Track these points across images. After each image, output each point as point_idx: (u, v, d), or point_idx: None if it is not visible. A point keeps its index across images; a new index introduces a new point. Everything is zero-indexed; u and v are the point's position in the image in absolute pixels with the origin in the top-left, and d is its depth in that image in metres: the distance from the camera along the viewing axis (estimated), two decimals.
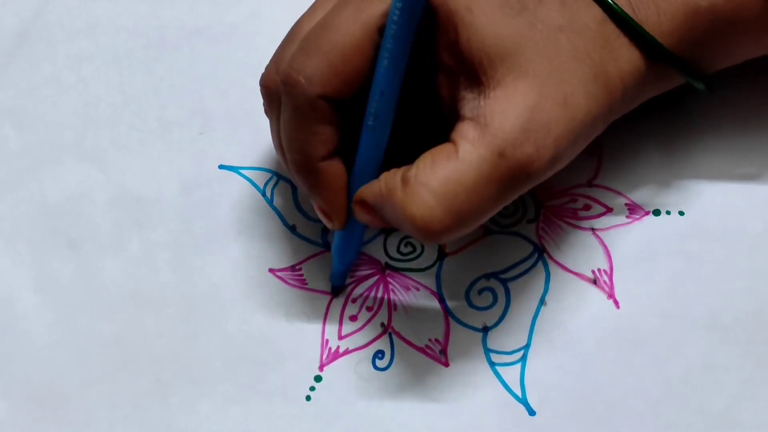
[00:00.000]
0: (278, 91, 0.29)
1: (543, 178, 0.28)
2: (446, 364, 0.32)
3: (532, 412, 0.31)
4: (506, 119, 0.26)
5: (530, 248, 0.34)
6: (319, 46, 0.28)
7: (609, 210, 0.34)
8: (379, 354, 0.32)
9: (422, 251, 0.34)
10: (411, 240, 0.34)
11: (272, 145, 0.36)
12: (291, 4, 0.40)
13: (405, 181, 0.27)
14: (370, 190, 0.28)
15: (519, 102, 0.26)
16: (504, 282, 0.33)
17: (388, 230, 0.34)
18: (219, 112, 0.38)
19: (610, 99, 0.28)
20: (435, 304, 0.33)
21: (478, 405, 0.31)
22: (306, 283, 0.34)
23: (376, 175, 0.29)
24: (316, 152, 0.29)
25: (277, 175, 0.36)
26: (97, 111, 0.38)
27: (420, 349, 0.32)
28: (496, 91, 0.27)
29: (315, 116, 0.28)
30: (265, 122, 0.37)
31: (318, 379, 0.32)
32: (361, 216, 0.29)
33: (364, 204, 0.28)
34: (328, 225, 0.31)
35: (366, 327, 0.33)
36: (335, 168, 0.29)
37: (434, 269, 0.34)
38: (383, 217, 0.28)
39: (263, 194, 0.36)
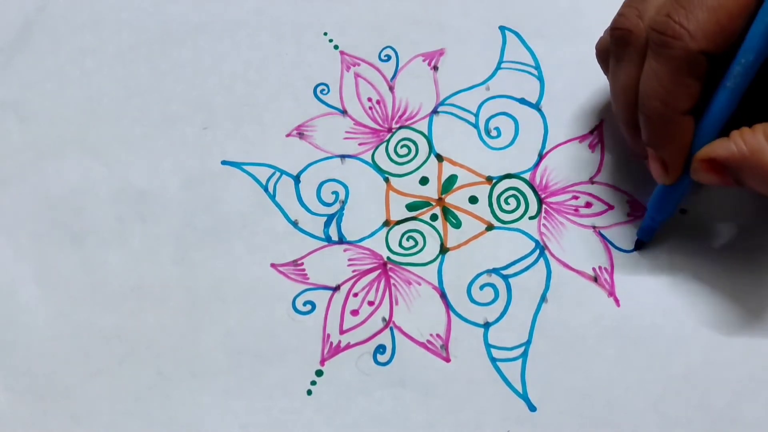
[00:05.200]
0: (642, 37, 0.29)
1: None
2: (447, 360, 0.32)
3: (532, 408, 0.31)
4: None
5: (532, 245, 0.34)
6: (703, 1, 0.28)
7: (610, 207, 0.34)
8: (380, 349, 0.32)
9: (424, 246, 0.34)
10: (413, 235, 0.34)
11: (275, 142, 0.37)
12: (293, 0, 0.40)
13: None
14: (722, 149, 0.28)
15: None
16: (505, 278, 0.33)
17: (389, 224, 0.35)
18: (222, 107, 0.38)
19: None
20: (436, 299, 0.33)
21: (478, 400, 0.31)
22: (308, 278, 0.34)
23: (717, 135, 0.29)
24: (681, 105, 0.28)
25: (280, 171, 0.36)
26: (100, 105, 0.38)
27: (421, 344, 0.32)
28: None
29: (690, 70, 0.28)
30: (267, 118, 0.37)
31: (319, 373, 0.32)
32: (702, 174, 0.29)
33: (712, 162, 0.28)
34: (660, 177, 0.30)
35: (367, 321, 0.33)
36: (689, 123, 0.29)
37: (436, 264, 0.34)
38: (737, 176, 0.28)
39: (266, 189, 0.36)
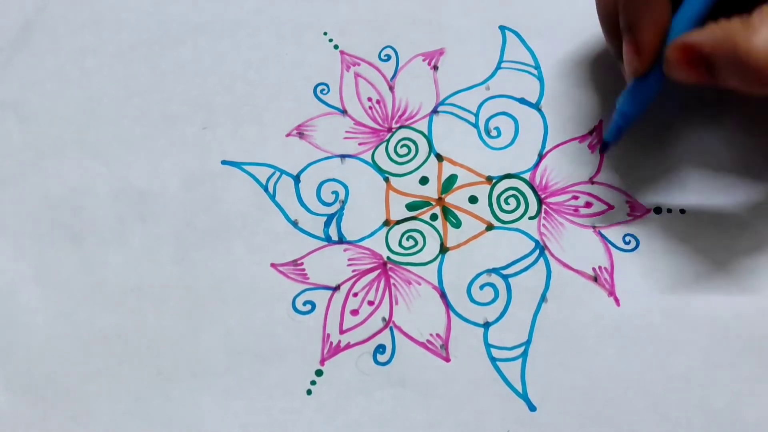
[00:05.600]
0: None
1: None
2: (447, 359, 0.32)
3: (532, 408, 0.31)
4: None
5: (532, 245, 0.34)
6: None
7: (610, 207, 0.34)
8: (380, 348, 0.32)
9: (424, 245, 0.34)
10: (413, 234, 0.34)
11: (275, 142, 0.37)
12: (293, 0, 0.40)
13: (748, 25, 0.26)
14: (697, 35, 0.27)
15: None
16: (505, 278, 0.33)
17: (390, 223, 0.35)
18: (222, 107, 0.38)
19: None
20: (436, 298, 0.33)
21: (478, 400, 0.31)
22: (308, 278, 0.34)
23: (692, 28, 0.28)
24: None
25: (280, 171, 0.36)
26: (100, 105, 0.38)
27: (421, 343, 0.32)
28: None
29: None
30: (267, 118, 0.37)
31: (319, 373, 0.32)
32: (676, 66, 0.28)
33: (686, 50, 0.28)
34: (633, 64, 0.30)
35: (367, 321, 0.33)
36: (666, 6, 0.29)
37: (436, 264, 0.34)
38: (710, 65, 0.27)
39: (265, 189, 0.36)
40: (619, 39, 0.31)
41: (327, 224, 0.35)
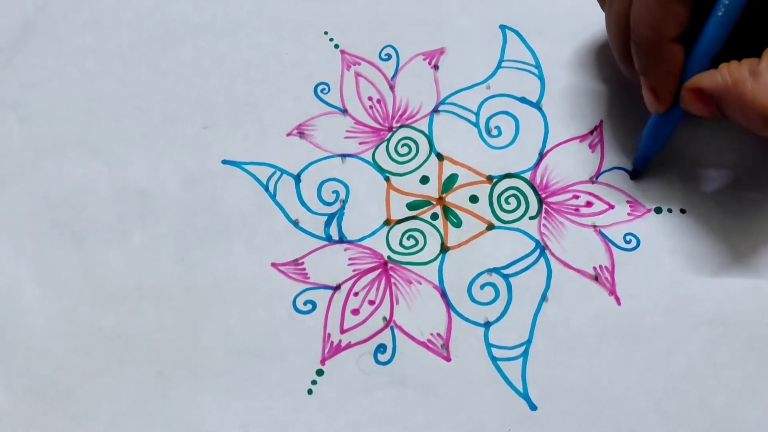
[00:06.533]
0: None
1: None
2: (448, 359, 0.32)
3: (533, 407, 0.31)
4: None
5: (532, 244, 0.34)
6: None
7: (611, 207, 0.34)
8: (380, 348, 0.32)
9: (425, 245, 0.34)
10: (413, 233, 0.34)
11: (276, 141, 0.37)
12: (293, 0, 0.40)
13: (755, 73, 0.27)
14: (709, 79, 0.29)
15: None
16: (506, 277, 0.33)
17: (390, 223, 0.35)
18: (222, 106, 0.38)
19: None
20: (437, 298, 0.33)
21: (479, 400, 0.31)
22: (308, 277, 0.34)
23: (708, 66, 0.29)
24: (670, 32, 0.29)
25: (280, 170, 0.36)
26: (100, 105, 0.38)
27: (422, 343, 0.32)
28: None
29: None
30: (268, 118, 0.37)
31: (320, 372, 0.32)
32: (690, 103, 0.29)
33: (699, 92, 0.29)
34: (653, 106, 0.31)
35: (368, 321, 0.33)
36: (678, 51, 0.30)
37: (436, 263, 0.34)
38: (720, 106, 0.29)
39: (266, 189, 0.36)
40: (632, 65, 0.31)
41: (327, 224, 0.35)
